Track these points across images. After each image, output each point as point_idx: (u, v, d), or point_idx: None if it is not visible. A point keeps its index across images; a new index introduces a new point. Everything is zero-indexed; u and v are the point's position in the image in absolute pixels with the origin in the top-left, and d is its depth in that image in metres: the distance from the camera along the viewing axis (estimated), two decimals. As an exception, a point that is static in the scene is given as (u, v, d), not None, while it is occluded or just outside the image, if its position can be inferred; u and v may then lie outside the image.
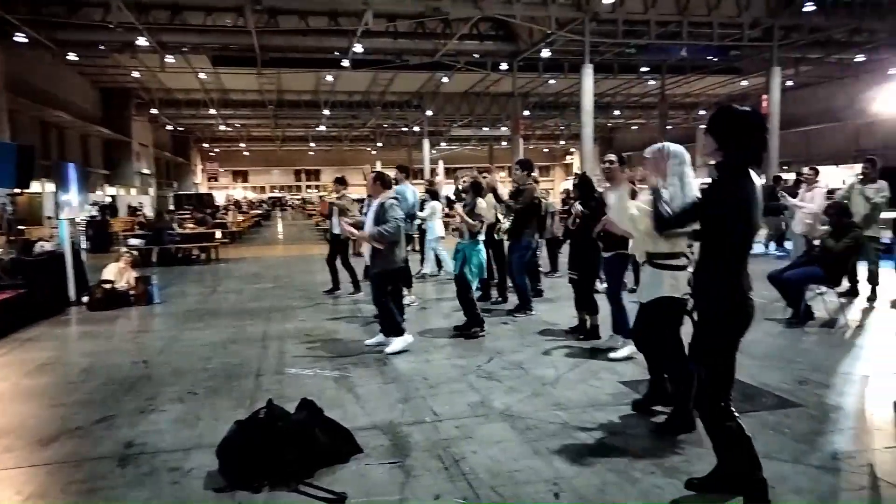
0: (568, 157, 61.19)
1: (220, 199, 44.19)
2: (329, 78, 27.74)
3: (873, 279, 8.07)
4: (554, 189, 50.28)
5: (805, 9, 19.40)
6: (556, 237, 10.49)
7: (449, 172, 38.70)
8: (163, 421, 4.36)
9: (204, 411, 4.53)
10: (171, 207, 30.08)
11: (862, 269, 8.18)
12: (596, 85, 22.64)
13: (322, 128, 41.79)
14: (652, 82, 31.71)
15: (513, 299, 8.02)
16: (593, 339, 6.26)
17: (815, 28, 21.36)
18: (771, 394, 4.55)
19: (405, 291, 8.54)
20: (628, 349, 5.44)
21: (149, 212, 27.23)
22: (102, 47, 21.13)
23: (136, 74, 26.69)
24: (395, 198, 6.05)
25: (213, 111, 34.58)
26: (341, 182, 9.81)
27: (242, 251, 17.88)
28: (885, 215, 8.41)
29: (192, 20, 20.15)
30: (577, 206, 6.16)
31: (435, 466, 3.55)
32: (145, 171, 36.42)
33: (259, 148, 55.23)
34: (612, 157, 5.31)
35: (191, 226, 17.57)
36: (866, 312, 7.51)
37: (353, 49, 20.83)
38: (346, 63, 22.78)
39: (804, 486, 3.19)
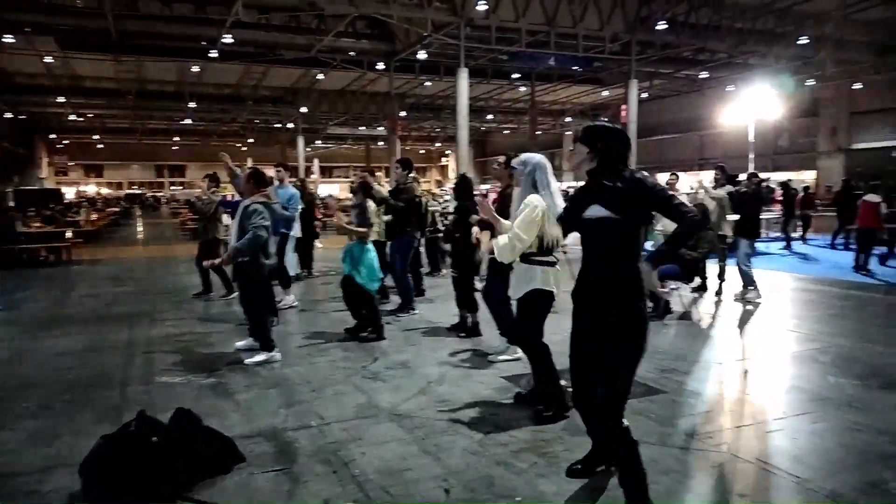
0: (444, 159, 62.24)
1: (70, 195, 40.50)
2: (195, 69, 26.25)
3: (721, 275, 8.91)
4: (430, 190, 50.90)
5: (658, 27, 21.09)
6: (437, 237, 10.64)
7: (325, 171, 38.07)
8: (14, 440, 3.91)
9: (62, 427, 4.12)
10: (12, 203, 27.05)
11: (711, 266, 9.05)
12: (470, 89, 23.22)
13: (188, 121, 39.42)
14: (523, 89, 33.09)
15: (395, 299, 8.03)
16: (474, 336, 6.41)
17: (666, 45, 23.28)
18: (638, 383, 4.87)
19: (285, 292, 8.29)
20: (511, 352, 5.50)
21: (-16, 208, 24.29)
22: (-79, 21, 18.58)
23: (-34, 54, 23.77)
24: (263, 202, 5.52)
25: (61, 99, 31.50)
26: (213, 179, 9.39)
27: (99, 252, 16.45)
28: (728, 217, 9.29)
29: (37, -3, 18.27)
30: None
31: (323, 471, 3.47)
32: (-22, 162, 32.53)
33: (116, 140, 50.96)
34: (501, 158, 5.46)
35: (37, 224, 15.92)
36: (715, 305, 8.29)
37: (223, 39, 19.84)
38: (214, 54, 21.65)
39: (670, 465, 3.47)
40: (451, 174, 47.82)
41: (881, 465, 3.45)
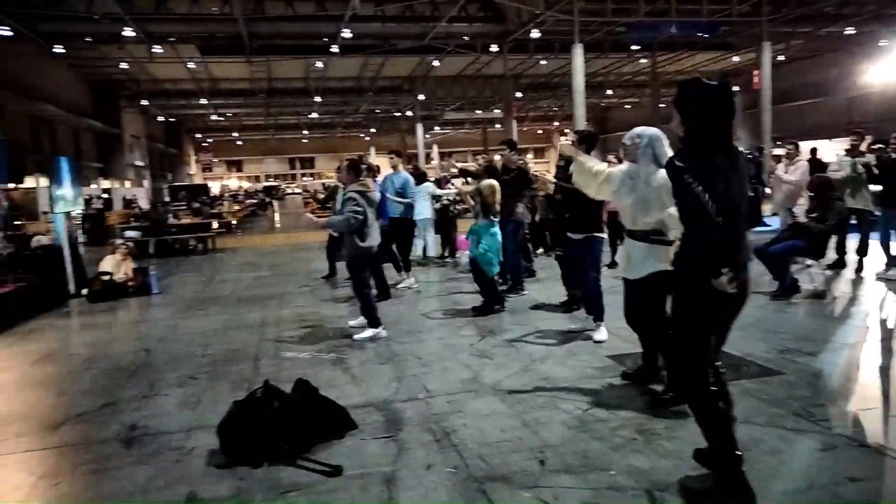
0: (563, 139, 61.04)
1: (215, 189, 44.19)
2: (319, 64, 27.63)
3: (863, 251, 8.13)
4: (550, 171, 50.15)
5: (794, -18, 19.41)
6: (547, 218, 10.59)
7: (444, 157, 38.76)
8: (165, 405, 4.51)
9: (204, 395, 4.68)
10: (167, 199, 30.15)
11: (853, 241, 8.31)
12: (587, 64, 22.63)
13: (314, 115, 41.59)
14: (643, 60, 31.65)
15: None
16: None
17: (804, 2, 21.34)
18: (753, 363, 4.70)
19: (405, 274, 8.68)
20: (605, 331, 5.58)
21: (144, 203, 27.26)
22: (89, 39, 21.00)
23: (124, 66, 26.53)
24: (359, 191, 5.87)
25: (203, 101, 34.41)
26: (339, 170, 10.13)
27: (239, 241, 17.96)
28: (872, 188, 8.44)
29: (178, 9, 20.06)
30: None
31: (426, 439, 3.70)
32: (139, 163, 36.30)
33: (252, 137, 54.89)
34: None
35: (187, 217, 17.67)
36: (852, 284, 7.65)
37: (342, 34, 20.75)
38: (335, 49, 22.70)
39: (777, 446, 3.34)
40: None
41: None
